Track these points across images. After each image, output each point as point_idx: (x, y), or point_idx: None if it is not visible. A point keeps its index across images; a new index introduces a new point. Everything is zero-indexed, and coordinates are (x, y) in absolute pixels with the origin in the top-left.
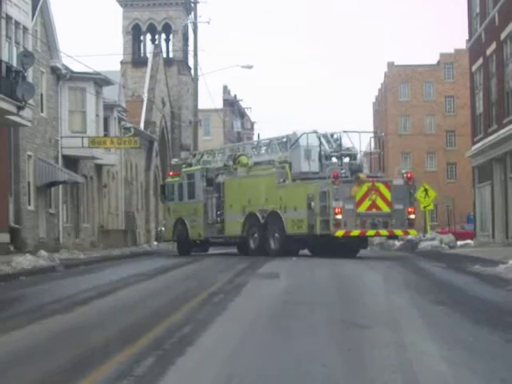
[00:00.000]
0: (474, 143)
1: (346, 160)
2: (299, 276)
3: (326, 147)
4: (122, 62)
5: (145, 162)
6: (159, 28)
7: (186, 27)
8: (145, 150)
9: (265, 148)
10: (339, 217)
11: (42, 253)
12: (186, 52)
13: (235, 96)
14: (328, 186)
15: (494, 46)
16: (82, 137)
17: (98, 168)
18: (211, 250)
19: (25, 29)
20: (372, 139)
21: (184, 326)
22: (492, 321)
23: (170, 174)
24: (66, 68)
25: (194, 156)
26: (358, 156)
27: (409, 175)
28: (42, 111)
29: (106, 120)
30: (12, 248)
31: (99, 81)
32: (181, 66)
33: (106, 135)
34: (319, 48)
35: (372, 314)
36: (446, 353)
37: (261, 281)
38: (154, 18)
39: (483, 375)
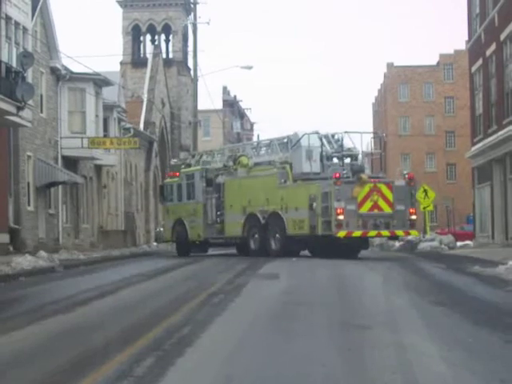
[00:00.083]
0: (473, 144)
1: (348, 161)
2: (299, 276)
3: (328, 148)
4: (121, 63)
5: (144, 162)
6: (159, 29)
7: (185, 28)
8: (144, 150)
9: (265, 149)
10: (341, 217)
11: (42, 253)
12: (185, 53)
13: (235, 97)
14: (330, 187)
15: (493, 46)
16: (82, 137)
17: (98, 168)
18: (210, 251)
19: (24, 29)
20: (372, 140)
21: (184, 326)
22: (492, 322)
23: (169, 174)
24: (66, 68)
25: (193, 156)
26: (360, 157)
27: (410, 176)
28: (41, 112)
29: (105, 120)
30: (11, 248)
31: (99, 81)
32: (180, 66)
33: (105, 136)
34: (319, 48)
35: (372, 314)
36: (446, 353)
37: (261, 281)
38: (154, 18)
39: (483, 376)
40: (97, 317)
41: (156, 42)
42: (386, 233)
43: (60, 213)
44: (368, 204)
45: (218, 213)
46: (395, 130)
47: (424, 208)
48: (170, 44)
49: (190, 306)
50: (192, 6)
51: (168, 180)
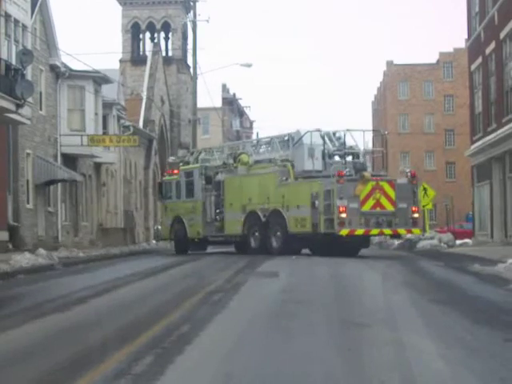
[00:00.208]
0: (473, 142)
1: (349, 159)
2: (299, 275)
3: (330, 146)
4: (121, 61)
5: (144, 160)
6: (158, 26)
7: (185, 26)
8: (144, 148)
9: (265, 146)
10: (344, 215)
11: (41, 251)
12: (185, 50)
13: (234, 95)
14: (332, 185)
15: (493, 45)
16: (81, 135)
17: (97, 166)
18: (209, 249)
19: (24, 27)
20: (372, 138)
21: (183, 324)
22: (491, 320)
23: (167, 172)
24: (65, 66)
25: (192, 154)
26: (361, 154)
27: (412, 174)
28: (40, 109)
29: (105, 118)
30: (11, 246)
31: (98, 79)
32: (180, 64)
33: (105, 133)
34: (318, 47)
35: (371, 312)
36: (445, 352)
37: (260, 280)
38: (154, 16)
39: (482, 374)
40: (95, 315)
41: (155, 40)
42: (388, 231)
43: (59, 210)
44: (370, 202)
45: (218, 210)
46: (395, 128)
47: (423, 206)
48: (170, 42)
49: (189, 304)
50: (191, 3)
51: (166, 177)
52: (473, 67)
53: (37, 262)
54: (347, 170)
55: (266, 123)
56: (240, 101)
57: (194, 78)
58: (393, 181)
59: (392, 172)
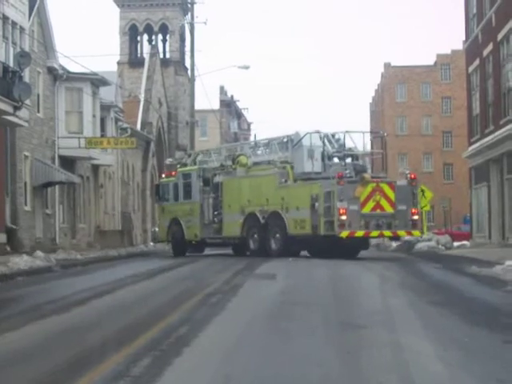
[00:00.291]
0: (470, 144)
1: (348, 160)
2: (296, 277)
3: (329, 147)
4: (118, 63)
5: (141, 162)
6: (156, 28)
7: (182, 28)
8: (141, 150)
9: (263, 148)
10: (344, 217)
11: (39, 253)
12: (182, 52)
13: (232, 97)
14: (332, 187)
15: (490, 46)
16: (79, 137)
17: (95, 168)
18: (207, 251)
19: (22, 29)
20: (371, 140)
21: (181, 326)
22: (489, 322)
23: (166, 174)
24: (63, 68)
25: (189, 156)
26: (360, 156)
27: (412, 176)
28: (38, 111)
29: (102, 120)
30: (8, 248)
31: (96, 81)
32: (178, 66)
33: (102, 136)
34: (316, 48)
35: (369, 314)
36: (443, 353)
37: (258, 282)
38: (151, 18)
39: (480, 376)
40: (94, 317)
41: (153, 42)
42: (388, 233)
43: (57, 213)
44: (370, 204)
45: (216, 212)
46: (392, 129)
47: (421, 208)
48: (167, 44)
49: (188, 305)
50: (189, 5)
51: (164, 179)
52: (470, 69)
53: (35, 264)
54: (347, 171)
55: (264, 125)
56: (238, 103)
57: (192, 80)
58: (393, 183)
59: (390, 174)
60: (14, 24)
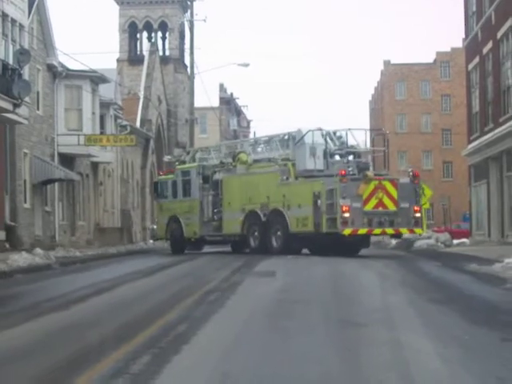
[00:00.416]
0: (470, 142)
1: (350, 158)
2: (296, 274)
3: (331, 145)
4: (118, 60)
5: (141, 159)
6: (155, 26)
7: (182, 25)
8: (141, 147)
9: (263, 145)
10: (347, 215)
11: (38, 251)
12: (182, 50)
13: (231, 94)
14: (335, 184)
15: (490, 44)
16: (78, 134)
17: (94, 166)
18: (206, 249)
19: (21, 26)
20: (372, 137)
21: (180, 324)
22: (488, 319)
23: (164, 171)
24: (63, 66)
25: (188, 153)
26: (362, 154)
27: (415, 173)
28: (38, 109)
29: (102, 118)
30: (8, 246)
31: (95, 79)
32: (177, 64)
33: (102, 133)
34: (315, 45)
35: (368, 312)
36: (442, 351)
37: (257, 279)
38: (151, 15)
39: (479, 373)
40: (93, 314)
41: (153, 40)
42: (390, 231)
43: (56, 210)
44: (373, 201)
45: (216, 210)
46: (392, 127)
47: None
48: (167, 41)
49: (186, 303)
50: (189, 3)
51: (162, 177)
52: (470, 67)
53: (34, 261)
54: (350, 169)
55: (263, 122)
56: (237, 100)
57: (191, 78)
58: (395, 180)
59: (391, 171)
60: (13, 21)
